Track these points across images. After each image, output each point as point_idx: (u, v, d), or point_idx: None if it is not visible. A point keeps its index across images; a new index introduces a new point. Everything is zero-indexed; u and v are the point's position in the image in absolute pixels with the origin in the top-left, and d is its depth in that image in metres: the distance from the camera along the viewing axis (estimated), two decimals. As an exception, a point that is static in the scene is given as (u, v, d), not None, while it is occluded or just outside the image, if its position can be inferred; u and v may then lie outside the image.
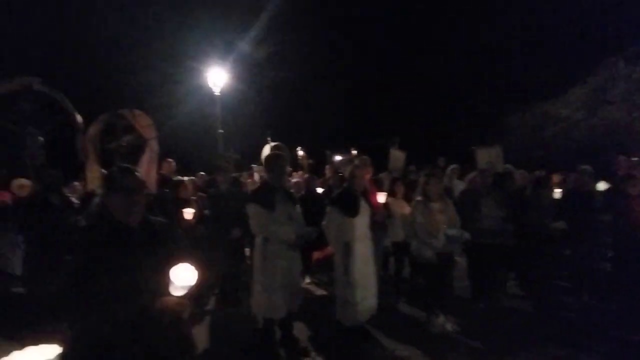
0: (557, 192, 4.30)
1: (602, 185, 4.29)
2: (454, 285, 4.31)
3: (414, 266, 4.47)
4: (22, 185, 4.81)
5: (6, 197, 4.75)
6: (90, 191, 4.94)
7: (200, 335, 3.72)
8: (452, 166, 6.99)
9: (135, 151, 5.37)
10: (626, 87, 13.03)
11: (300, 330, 3.66)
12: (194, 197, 4.66)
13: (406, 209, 4.22)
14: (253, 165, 8.97)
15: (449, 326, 3.67)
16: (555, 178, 5.18)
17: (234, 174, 7.60)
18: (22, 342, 0.72)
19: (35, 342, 0.65)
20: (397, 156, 7.26)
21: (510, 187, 4.58)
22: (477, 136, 9.97)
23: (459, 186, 6.34)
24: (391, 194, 4.67)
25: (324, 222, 3.30)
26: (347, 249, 3.15)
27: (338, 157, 15.61)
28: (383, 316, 3.79)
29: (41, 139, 5.39)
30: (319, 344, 3.44)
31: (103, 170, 5.54)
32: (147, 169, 5.11)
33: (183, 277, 1.53)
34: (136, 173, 1.72)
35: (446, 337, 3.54)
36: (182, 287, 1.54)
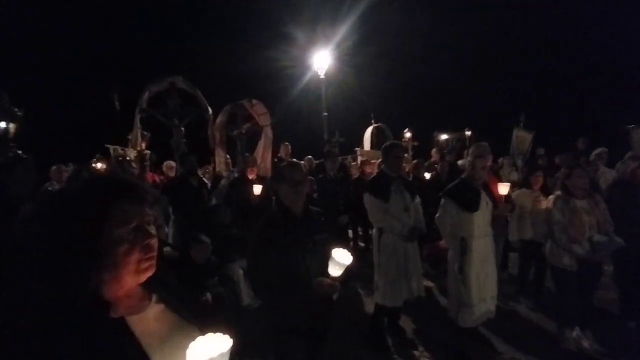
0: None
1: None
2: (600, 297, 3.61)
3: (546, 269, 3.88)
4: (171, 166, 5.93)
5: (156, 178, 5.88)
6: (218, 174, 5.79)
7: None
8: (599, 150, 5.69)
9: (253, 138, 6.07)
10: None
11: (406, 321, 3.63)
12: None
13: (542, 204, 3.64)
14: (357, 148, 9.08)
15: (586, 343, 3.12)
16: None
17: (340, 159, 7.85)
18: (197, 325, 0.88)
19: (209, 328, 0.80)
20: (522, 137, 6.35)
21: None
22: (634, 111, 7.86)
23: (607, 175, 5.22)
24: (526, 184, 4.10)
25: (437, 215, 3.11)
26: (464, 246, 2.91)
27: (444, 136, 14.51)
28: (502, 321, 3.45)
29: (183, 129, 6.50)
30: (426, 338, 3.36)
31: (227, 155, 6.42)
32: (262, 154, 5.70)
33: (341, 257, 1.67)
34: (301, 167, 1.96)
35: (580, 354, 3.04)
36: (340, 267, 1.68)
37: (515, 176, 6.18)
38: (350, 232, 6.71)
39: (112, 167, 5.22)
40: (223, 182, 4.95)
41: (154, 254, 0.81)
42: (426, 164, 6.28)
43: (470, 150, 3.15)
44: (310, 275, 1.76)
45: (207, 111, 6.22)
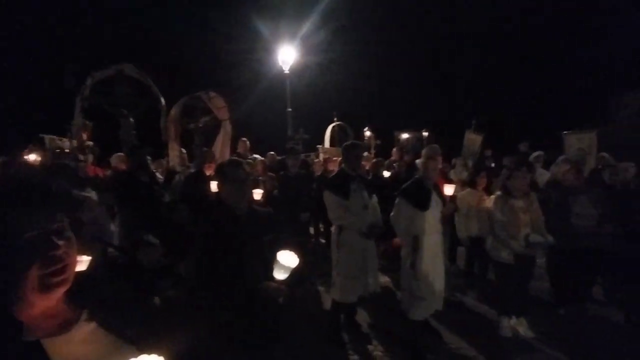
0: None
1: None
2: (534, 286, 3.98)
3: (488, 263, 4.20)
4: (123, 159, 5.50)
5: (100, 172, 5.42)
6: (172, 169, 5.48)
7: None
8: (536, 153, 6.28)
9: (211, 132, 5.82)
10: None
11: (362, 316, 3.74)
12: (262, 178, 4.86)
13: (485, 203, 3.92)
14: (319, 146, 9.10)
15: (522, 330, 3.44)
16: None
17: (303, 155, 7.78)
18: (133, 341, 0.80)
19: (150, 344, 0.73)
20: (473, 139, 6.73)
21: (613, 182, 3.99)
22: (570, 119, 8.76)
23: (544, 176, 5.72)
24: (472, 184, 4.38)
25: (392, 214, 3.23)
26: (416, 243, 3.06)
27: (405, 135, 15.05)
28: (450, 311, 3.69)
29: (132, 120, 6.06)
30: (381, 332, 3.49)
31: (182, 150, 6.11)
32: (221, 150, 5.51)
33: (287, 260, 1.64)
34: (244, 165, 1.90)
35: (518, 341, 3.33)
36: (286, 270, 1.65)
37: (465, 176, 6.60)
38: (311, 229, 6.77)
39: (48, 159, 4.72)
40: (178, 177, 4.71)
41: (62, 267, 0.69)
42: (386, 162, 6.48)
43: (423, 152, 3.30)
44: (255, 278, 1.70)
45: (160, 102, 5.86)
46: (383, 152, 9.65)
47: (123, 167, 5.25)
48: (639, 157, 6.43)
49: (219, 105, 5.81)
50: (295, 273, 1.68)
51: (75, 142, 5.25)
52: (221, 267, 1.66)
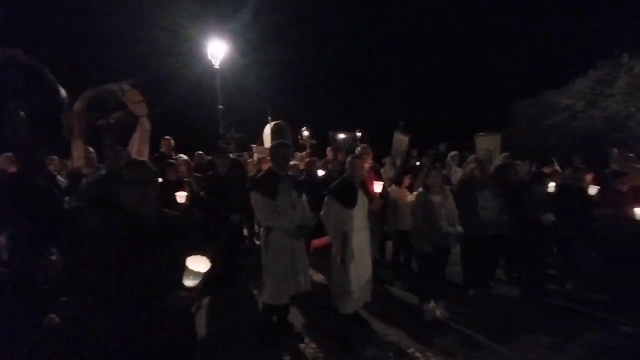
0: (551, 186, 4.32)
1: (592, 190, 4.34)
2: (448, 272, 4.40)
3: (412, 254, 4.54)
4: (12, 159, 4.67)
5: None
6: (76, 170, 4.79)
7: (198, 318, 3.75)
8: (452, 153, 7.00)
9: (125, 129, 5.21)
10: (628, 81, 12.93)
11: (295, 315, 3.74)
12: (187, 179, 4.58)
13: (409, 199, 4.23)
14: (252, 145, 8.86)
15: (439, 312, 3.79)
16: (547, 170, 5.19)
17: (234, 155, 7.46)
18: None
19: None
20: (400, 140, 7.19)
21: (512, 178, 4.62)
22: (481, 123, 9.95)
23: (458, 173, 6.37)
24: (398, 182, 4.66)
25: (322, 212, 3.29)
26: (345, 239, 3.15)
27: (341, 135, 15.53)
28: (378, 302, 3.88)
29: (23, 114, 5.15)
30: (314, 330, 3.52)
31: (90, 149, 5.40)
32: (138, 148, 4.99)
33: (197, 266, 1.53)
34: (147, 165, 1.70)
35: (436, 322, 3.66)
36: (196, 276, 1.54)
37: (393, 174, 7.05)
38: (245, 231, 6.57)
39: None
40: (84, 181, 4.14)
41: None
42: (321, 162, 6.59)
43: (354, 141, 3.42)
44: (165, 288, 1.56)
45: (59, 93, 5.08)
46: (318, 152, 9.82)
47: (13, 168, 4.46)
48: (530, 157, 7.57)
49: (134, 99, 5.25)
50: (206, 279, 1.58)
51: None
52: (120, 280, 1.49)
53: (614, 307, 3.87)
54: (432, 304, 3.81)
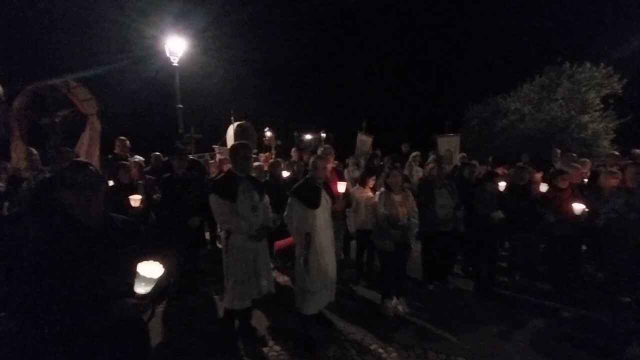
0: (501, 185, 4.62)
1: (543, 188, 4.70)
2: (409, 268, 4.56)
3: (374, 253, 4.64)
4: None
5: None
6: (16, 174, 4.38)
7: (156, 326, 3.59)
8: (414, 153, 7.25)
9: (72, 129, 4.82)
10: (569, 87, 14.19)
11: (259, 318, 3.69)
12: (140, 182, 4.35)
13: (372, 199, 4.32)
14: (215, 145, 8.59)
15: (401, 308, 3.91)
16: (500, 171, 5.56)
17: (195, 156, 7.18)
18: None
19: None
20: (363, 140, 7.32)
21: (468, 177, 4.88)
22: (440, 125, 10.42)
23: (420, 173, 6.61)
24: (362, 182, 4.75)
25: (285, 214, 3.26)
26: (308, 240, 3.15)
27: (308, 136, 15.51)
28: (342, 301, 3.94)
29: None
30: (277, 332, 3.49)
31: (33, 150, 4.94)
32: (87, 149, 4.64)
33: (149, 271, 1.46)
34: (91, 167, 1.59)
35: (398, 318, 3.78)
36: (148, 282, 1.47)
37: (357, 174, 7.18)
38: (207, 235, 6.36)
39: None
40: (26, 184, 3.77)
41: None
42: (287, 163, 6.54)
43: (319, 142, 3.43)
44: (113, 296, 1.49)
45: None
46: (284, 153, 9.75)
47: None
48: (482, 157, 8.03)
49: (82, 97, 4.87)
50: (159, 285, 1.51)
51: None
52: (69, 287, 1.40)
53: (557, 295, 4.23)
54: (394, 300, 3.93)
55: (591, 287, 4.47)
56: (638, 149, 6.41)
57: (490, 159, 7.92)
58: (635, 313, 3.82)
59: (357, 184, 4.93)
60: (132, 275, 1.46)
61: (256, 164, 5.78)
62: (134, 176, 4.20)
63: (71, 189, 1.50)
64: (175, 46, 8.62)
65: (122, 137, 5.43)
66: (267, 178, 5.19)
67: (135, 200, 3.74)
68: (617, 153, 5.96)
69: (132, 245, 1.64)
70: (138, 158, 4.88)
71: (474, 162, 5.73)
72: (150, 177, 4.60)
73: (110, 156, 5.19)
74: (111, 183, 4.04)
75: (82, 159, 4.23)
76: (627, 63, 13.37)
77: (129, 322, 1.53)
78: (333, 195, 3.65)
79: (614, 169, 4.42)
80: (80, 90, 4.94)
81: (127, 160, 4.66)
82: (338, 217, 4.02)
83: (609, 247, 4.14)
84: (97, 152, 4.84)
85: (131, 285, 1.46)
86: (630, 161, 5.21)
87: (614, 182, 4.22)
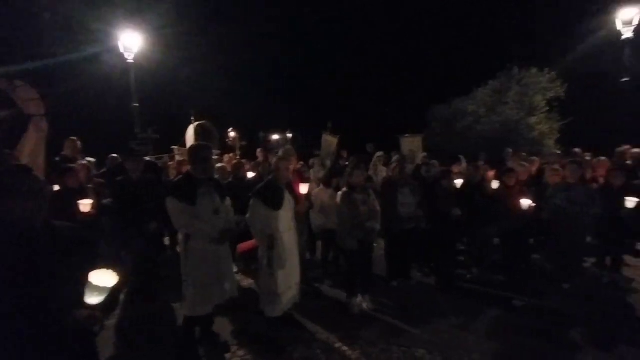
0: (458, 183, 4.85)
1: (494, 185, 4.97)
2: (374, 266, 4.63)
3: (339, 252, 4.68)
4: None
5: None
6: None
7: (112, 336, 3.39)
8: (378, 153, 7.40)
9: (14, 130, 4.39)
10: (518, 91, 15.25)
11: (223, 324, 3.58)
12: (90, 185, 4.08)
13: (335, 199, 4.34)
14: (174, 147, 8.23)
15: (366, 305, 3.97)
16: (455, 168, 5.83)
17: (152, 157, 6.84)
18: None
19: None
20: (329, 141, 7.36)
21: (427, 176, 5.05)
22: (404, 125, 10.74)
23: (384, 172, 6.75)
24: (327, 183, 4.76)
25: (247, 215, 3.20)
26: (271, 242, 3.11)
27: (275, 137, 15.38)
28: (308, 301, 3.92)
29: None
30: (242, 336, 3.41)
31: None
32: (32, 152, 4.26)
33: (102, 281, 1.39)
34: (31, 173, 1.48)
35: (364, 315, 3.83)
36: (101, 292, 1.39)
37: (322, 175, 7.20)
38: (167, 240, 6.08)
39: None
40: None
41: None
42: (252, 164, 6.40)
43: (283, 143, 3.40)
44: (60, 308, 1.40)
45: None
46: (249, 153, 9.57)
47: None
48: (442, 157, 8.39)
49: (27, 97, 4.46)
50: (113, 295, 1.43)
51: None
52: (15, 300, 1.31)
53: (511, 286, 4.50)
54: (359, 298, 3.98)
55: (540, 276, 4.81)
56: (578, 148, 7.01)
57: (482, 155, 8.20)
58: (579, 299, 4.16)
59: (321, 184, 4.95)
60: (83, 285, 1.38)
61: (219, 165, 5.62)
62: (82, 180, 3.90)
63: (9, 196, 1.38)
64: (130, 42, 8.16)
65: (73, 138, 5.04)
66: (230, 179, 5.06)
67: (85, 205, 3.49)
68: (559, 152, 6.48)
69: (81, 255, 1.54)
70: (89, 160, 4.54)
71: (433, 161, 5.96)
72: (100, 180, 4.30)
73: (57, 158, 4.79)
74: (57, 188, 3.73)
75: (24, 162, 3.90)
76: (569, 69, 14.60)
77: (75, 335, 1.43)
78: (296, 196, 3.63)
79: (557, 167, 4.80)
80: (25, 89, 4.52)
81: (75, 163, 4.32)
82: (301, 218, 4.00)
83: (554, 239, 4.47)
84: (42, 154, 4.45)
85: (81, 296, 1.37)
86: (570, 159, 5.68)
87: (556, 178, 4.58)
